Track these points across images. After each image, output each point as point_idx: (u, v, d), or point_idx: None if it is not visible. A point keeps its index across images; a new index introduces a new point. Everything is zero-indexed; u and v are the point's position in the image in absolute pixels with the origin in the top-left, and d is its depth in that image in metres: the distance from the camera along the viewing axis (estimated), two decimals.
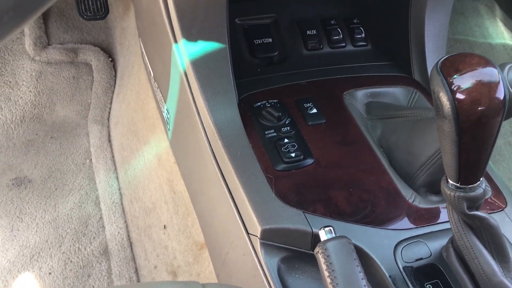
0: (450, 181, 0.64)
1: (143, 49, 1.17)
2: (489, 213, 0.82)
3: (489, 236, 0.67)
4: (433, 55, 1.04)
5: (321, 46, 1.07)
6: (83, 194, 1.25)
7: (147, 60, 1.16)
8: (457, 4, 1.91)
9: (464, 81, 0.56)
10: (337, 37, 1.08)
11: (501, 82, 0.56)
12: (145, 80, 1.26)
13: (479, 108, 0.56)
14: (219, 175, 0.87)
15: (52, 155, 1.30)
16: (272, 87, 0.97)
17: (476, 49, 1.97)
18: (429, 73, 1.04)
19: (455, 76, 0.56)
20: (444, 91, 0.56)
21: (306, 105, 0.94)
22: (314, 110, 0.93)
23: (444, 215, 0.82)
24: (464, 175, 0.62)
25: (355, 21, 1.12)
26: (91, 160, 1.31)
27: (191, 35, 0.89)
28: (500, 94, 0.56)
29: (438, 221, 0.81)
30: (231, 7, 0.97)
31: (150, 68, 1.14)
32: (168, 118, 1.13)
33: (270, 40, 1.05)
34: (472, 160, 0.60)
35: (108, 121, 1.37)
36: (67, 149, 1.32)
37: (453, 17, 2.02)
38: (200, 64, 0.93)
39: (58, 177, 1.26)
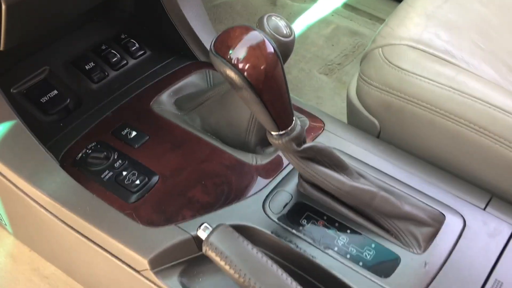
0: (273, 133, 0.73)
1: None
2: (315, 138, 0.95)
3: (324, 157, 0.78)
4: (204, 34, 1.12)
5: (107, 74, 1.08)
6: None
7: None
8: None
9: (239, 53, 0.63)
10: (116, 59, 1.10)
11: (265, 39, 0.64)
12: None
13: (262, 67, 0.64)
14: (83, 238, 0.86)
15: None
16: (84, 132, 0.96)
17: (236, 5, 2.11)
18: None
19: (230, 52, 0.63)
20: (228, 68, 0.63)
21: (123, 133, 0.95)
22: (134, 133, 0.95)
23: (285, 160, 0.91)
24: (280, 123, 0.71)
25: (123, 36, 1.14)
26: None
27: None
28: (270, 48, 0.64)
29: (283, 166, 0.90)
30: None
31: None
32: None
33: (56, 91, 1.03)
34: (279, 108, 0.69)
35: None
36: None
37: None
38: (2, 151, 0.89)
39: None
